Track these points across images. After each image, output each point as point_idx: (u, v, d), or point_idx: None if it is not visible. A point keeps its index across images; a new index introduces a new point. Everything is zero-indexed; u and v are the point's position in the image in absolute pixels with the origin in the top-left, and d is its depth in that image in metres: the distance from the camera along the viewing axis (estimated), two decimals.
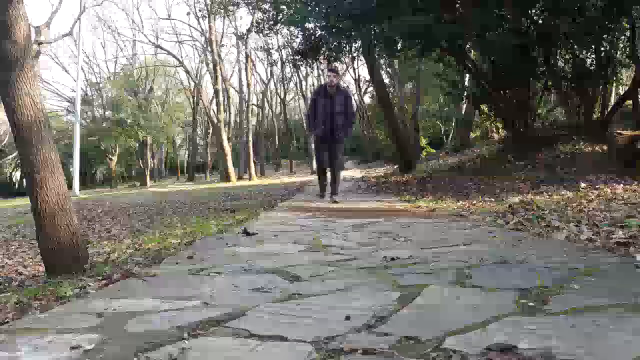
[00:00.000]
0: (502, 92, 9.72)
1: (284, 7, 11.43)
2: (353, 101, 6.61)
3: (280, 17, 11.86)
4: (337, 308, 1.42)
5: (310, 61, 12.47)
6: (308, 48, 11.09)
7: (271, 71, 33.77)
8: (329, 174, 6.79)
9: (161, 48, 32.51)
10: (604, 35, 8.68)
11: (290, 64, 14.12)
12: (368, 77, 21.64)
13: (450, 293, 1.55)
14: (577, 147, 7.77)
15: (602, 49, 8.83)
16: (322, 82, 6.99)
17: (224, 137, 23.49)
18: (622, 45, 9.06)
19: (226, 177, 22.70)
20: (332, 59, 11.21)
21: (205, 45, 28.30)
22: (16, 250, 5.59)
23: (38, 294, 2.09)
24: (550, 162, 7.42)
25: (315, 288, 1.71)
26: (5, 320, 1.65)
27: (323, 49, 10.64)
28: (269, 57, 28.06)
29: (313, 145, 7.04)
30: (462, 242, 2.62)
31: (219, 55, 24.88)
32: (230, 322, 1.33)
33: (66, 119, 37.30)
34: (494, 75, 9.72)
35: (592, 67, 9.09)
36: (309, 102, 6.79)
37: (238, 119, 30.71)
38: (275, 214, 5.24)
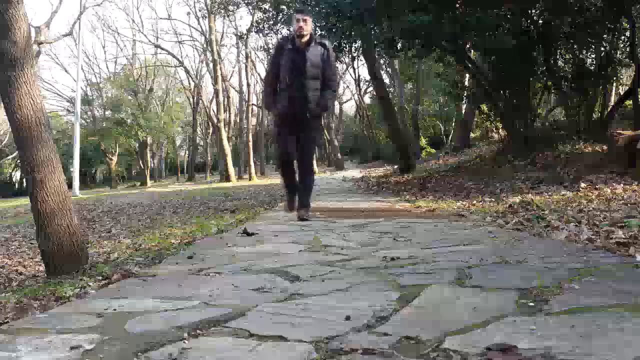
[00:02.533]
0: (502, 92, 9.73)
1: (284, 7, 11.44)
2: (334, 59, 4.46)
3: (280, 17, 11.87)
4: (337, 308, 1.42)
5: None
6: None
7: None
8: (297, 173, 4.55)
9: (161, 48, 32.56)
10: (604, 35, 8.68)
11: None
12: (368, 77, 21.67)
13: (450, 293, 1.55)
14: (577, 147, 7.76)
15: (602, 49, 8.83)
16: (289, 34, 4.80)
17: (224, 137, 23.50)
18: (622, 45, 9.06)
19: (226, 177, 22.70)
20: None
21: (205, 45, 28.31)
22: (16, 250, 5.60)
23: (38, 294, 2.09)
24: (550, 162, 7.41)
25: (315, 288, 1.71)
26: (5, 320, 1.65)
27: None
28: (269, 57, 28.06)
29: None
30: (462, 242, 2.62)
31: (219, 55, 24.89)
32: (230, 322, 1.33)
33: (66, 119, 37.34)
34: (494, 75, 9.72)
35: (592, 67, 9.09)
36: (267, 62, 4.35)
37: (238, 119, 30.71)
38: (275, 213, 5.24)
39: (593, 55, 9.20)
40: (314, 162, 4.70)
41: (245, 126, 27.27)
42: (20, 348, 1.15)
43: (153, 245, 3.73)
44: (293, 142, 4.33)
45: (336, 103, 39.64)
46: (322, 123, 4.89)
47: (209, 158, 36.88)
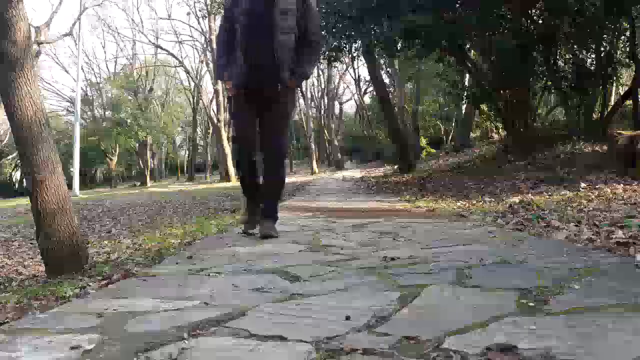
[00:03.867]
0: (502, 92, 9.73)
1: None
2: (315, 3, 3.19)
3: None
4: (337, 308, 1.42)
5: None
6: None
7: None
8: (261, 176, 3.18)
9: (161, 48, 32.58)
10: (604, 35, 8.69)
11: None
12: (368, 77, 21.67)
13: (450, 293, 1.55)
14: (577, 147, 7.77)
15: (602, 49, 8.84)
16: None
17: (224, 137, 23.49)
18: (622, 45, 9.07)
19: (226, 177, 22.69)
20: (332, 58, 11.21)
21: (205, 45, 28.30)
22: (16, 250, 5.59)
23: (38, 294, 2.09)
24: (550, 162, 7.41)
25: (315, 288, 1.71)
26: (5, 320, 1.65)
27: (323, 48, 10.64)
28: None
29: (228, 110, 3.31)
30: (462, 242, 2.62)
31: None
32: (230, 322, 1.33)
33: (66, 119, 37.36)
34: (494, 75, 9.72)
35: (592, 67, 9.10)
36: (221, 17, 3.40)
37: None
38: None
39: (593, 55, 9.20)
40: (288, 152, 3.29)
41: None
42: (20, 348, 1.15)
43: (153, 245, 3.73)
44: (252, 129, 3.08)
45: (336, 103, 39.77)
46: (297, 98, 3.38)
47: (209, 158, 36.87)
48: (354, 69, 31.15)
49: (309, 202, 6.66)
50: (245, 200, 3.34)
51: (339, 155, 30.52)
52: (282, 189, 3.31)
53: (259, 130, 3.13)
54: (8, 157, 35.96)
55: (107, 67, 49.24)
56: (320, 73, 33.26)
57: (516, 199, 4.83)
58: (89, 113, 35.27)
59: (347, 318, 1.31)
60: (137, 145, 34.02)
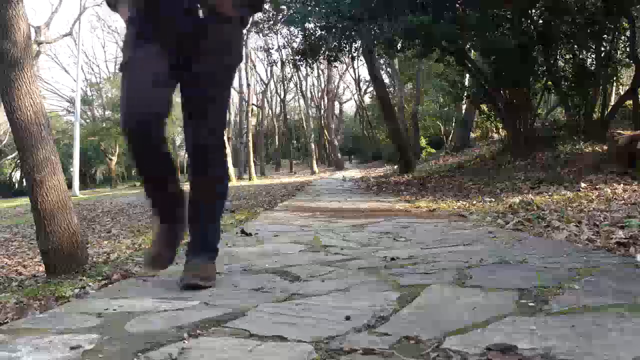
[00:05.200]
0: (502, 92, 9.73)
1: (284, 7, 11.45)
2: None
3: (280, 17, 11.89)
4: (337, 308, 1.42)
5: (310, 61, 12.49)
6: (308, 48, 11.11)
7: (271, 71, 33.87)
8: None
9: None
10: (604, 35, 8.69)
11: (290, 64, 14.11)
12: (368, 77, 21.70)
13: (450, 293, 1.55)
14: (577, 147, 7.77)
15: (602, 49, 8.84)
16: None
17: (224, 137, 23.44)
18: (622, 45, 9.07)
19: None
20: (332, 58, 11.21)
21: None
22: (16, 250, 5.60)
23: (38, 294, 2.09)
24: (550, 162, 7.42)
25: (315, 288, 1.71)
26: (5, 320, 1.65)
27: (323, 49, 10.64)
28: (269, 57, 28.11)
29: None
30: (462, 242, 2.62)
31: None
32: (230, 322, 1.33)
33: (66, 119, 37.36)
34: (494, 75, 9.72)
35: (592, 67, 9.10)
36: None
37: (238, 119, 30.71)
38: (275, 213, 5.24)
39: (593, 55, 9.21)
40: (227, 149, 1.96)
41: (245, 126, 27.26)
42: (20, 348, 1.15)
43: None
44: (163, 82, 1.69)
45: (336, 103, 39.77)
46: (242, 46, 1.83)
47: None
48: (354, 69, 31.23)
49: (309, 202, 6.66)
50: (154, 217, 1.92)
51: (339, 155, 30.53)
52: (223, 200, 1.89)
53: (183, 105, 1.82)
54: (8, 157, 35.95)
55: (107, 67, 49.30)
56: (320, 73, 33.29)
57: (516, 199, 4.83)
58: (88, 113, 35.27)
59: (347, 318, 1.30)
60: None
